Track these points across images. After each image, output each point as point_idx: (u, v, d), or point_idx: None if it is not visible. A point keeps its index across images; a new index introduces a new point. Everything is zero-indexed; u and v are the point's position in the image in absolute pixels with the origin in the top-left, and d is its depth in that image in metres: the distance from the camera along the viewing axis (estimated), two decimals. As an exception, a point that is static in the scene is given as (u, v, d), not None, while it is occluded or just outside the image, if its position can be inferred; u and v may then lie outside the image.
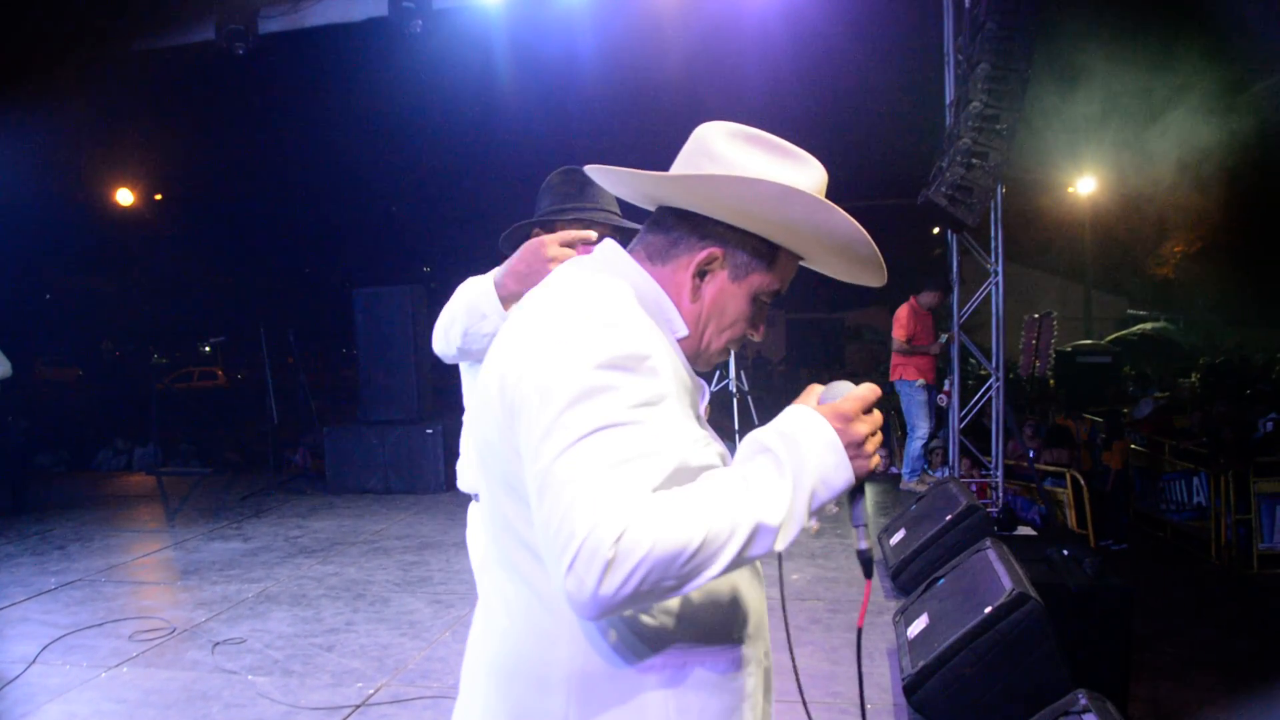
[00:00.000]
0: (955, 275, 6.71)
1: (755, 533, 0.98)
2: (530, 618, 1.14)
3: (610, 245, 1.24)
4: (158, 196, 24.29)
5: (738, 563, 0.98)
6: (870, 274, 1.25)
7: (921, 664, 3.06)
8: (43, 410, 13.63)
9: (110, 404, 16.09)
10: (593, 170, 1.27)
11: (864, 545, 1.15)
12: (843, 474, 1.06)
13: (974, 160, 5.59)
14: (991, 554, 3.49)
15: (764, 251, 1.19)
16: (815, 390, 1.15)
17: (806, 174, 1.17)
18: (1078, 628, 3.61)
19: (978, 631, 2.96)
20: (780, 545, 1.01)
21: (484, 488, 1.22)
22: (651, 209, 1.27)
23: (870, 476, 1.11)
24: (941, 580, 3.71)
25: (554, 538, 0.96)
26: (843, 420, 1.07)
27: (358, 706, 3.41)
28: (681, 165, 1.20)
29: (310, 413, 10.62)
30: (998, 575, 3.23)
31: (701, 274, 1.19)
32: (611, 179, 1.26)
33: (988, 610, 2.99)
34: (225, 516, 6.87)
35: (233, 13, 7.32)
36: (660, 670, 1.11)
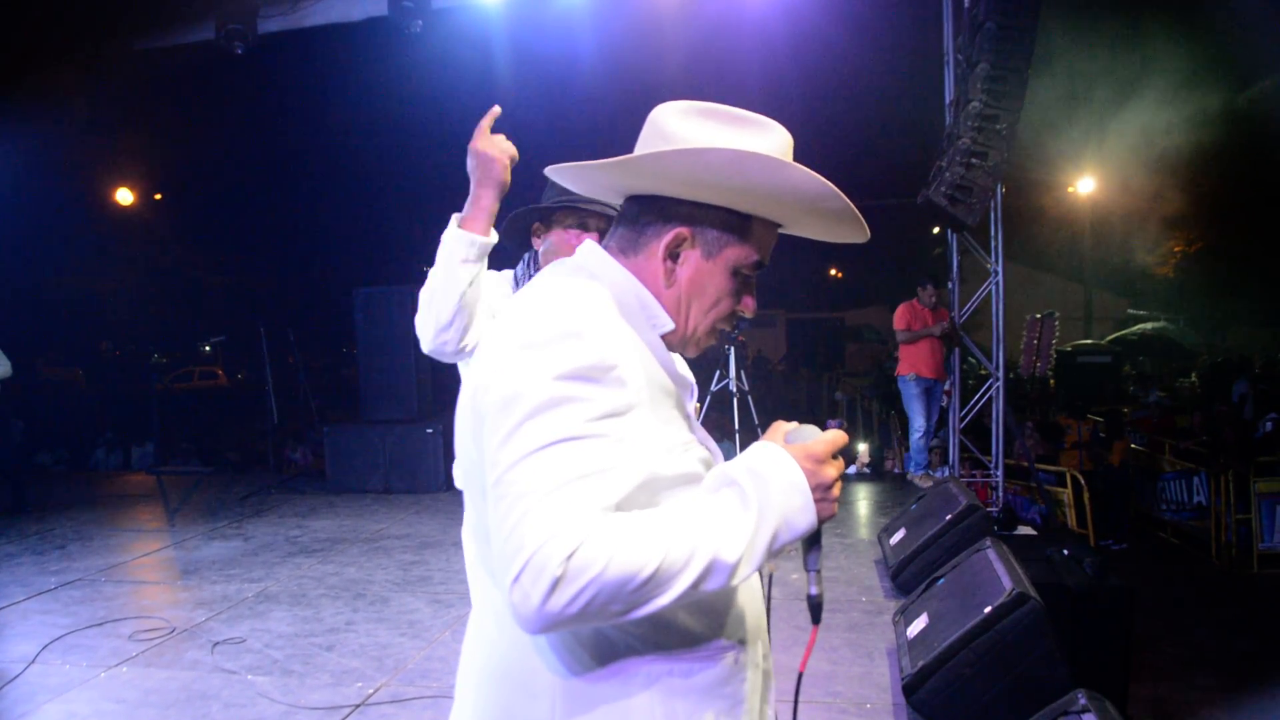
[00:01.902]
0: (955, 275, 6.72)
1: (711, 567, 0.97)
2: (517, 627, 1.14)
3: (589, 246, 1.21)
4: (158, 196, 24.30)
5: (690, 595, 0.97)
6: (850, 229, 1.21)
7: (921, 664, 3.06)
8: (43, 410, 13.63)
9: (110, 404, 16.09)
10: (551, 172, 1.25)
11: (814, 591, 1.12)
12: (807, 517, 1.04)
13: (973, 160, 5.59)
14: (991, 554, 3.49)
15: (734, 224, 1.16)
16: (782, 428, 1.14)
17: (764, 138, 1.14)
18: (1078, 628, 3.61)
19: (977, 631, 2.96)
20: (736, 581, 0.99)
21: (468, 498, 1.22)
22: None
23: (829, 521, 1.09)
24: (941, 580, 3.71)
25: (502, 547, 0.95)
26: (813, 462, 1.06)
27: (357, 706, 3.41)
28: (638, 150, 1.17)
29: (310, 412, 10.63)
30: (998, 575, 3.23)
31: (673, 256, 1.16)
32: (569, 177, 1.24)
33: (987, 610, 2.99)
34: (225, 516, 6.87)
35: (232, 12, 7.31)
36: (648, 676, 1.10)
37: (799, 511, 1.04)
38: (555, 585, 0.90)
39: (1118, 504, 7.79)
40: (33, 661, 3.89)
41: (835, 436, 1.10)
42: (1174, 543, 8.06)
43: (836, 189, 1.11)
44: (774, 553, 1.03)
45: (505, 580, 0.94)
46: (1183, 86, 17.10)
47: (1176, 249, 25.06)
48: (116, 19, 7.51)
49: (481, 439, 1.06)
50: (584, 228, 1.96)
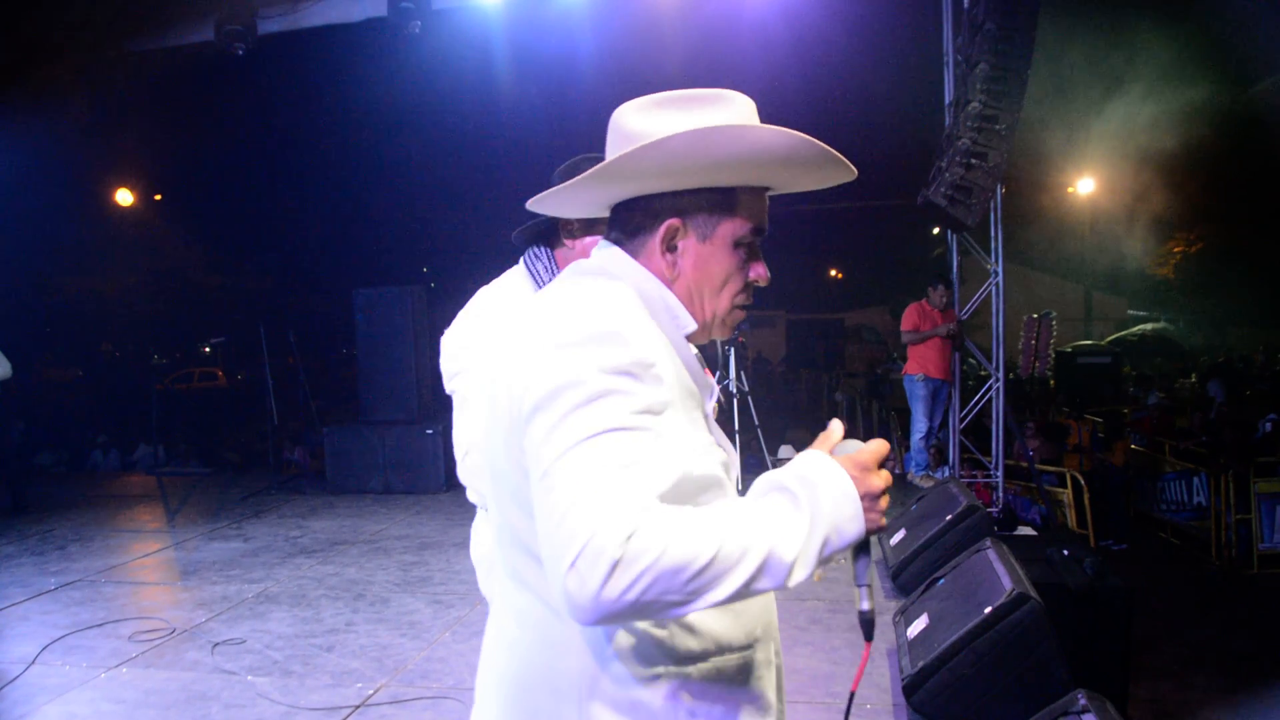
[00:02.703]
0: (955, 275, 6.72)
1: (767, 562, 0.96)
2: (540, 628, 1.14)
3: (606, 247, 1.22)
4: (157, 197, 24.31)
5: (744, 592, 0.95)
6: (833, 171, 1.21)
7: (921, 664, 3.06)
8: (43, 411, 13.62)
9: (110, 405, 16.08)
10: (532, 204, 1.28)
11: (865, 607, 1.10)
12: (856, 525, 1.03)
13: (973, 160, 5.59)
14: (991, 554, 3.49)
15: (720, 201, 1.17)
16: (829, 439, 1.13)
17: (723, 111, 1.14)
18: (1078, 628, 3.60)
19: (978, 632, 2.96)
20: (792, 582, 0.98)
21: (492, 500, 1.22)
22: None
23: (878, 532, 1.08)
24: (941, 580, 3.71)
25: (553, 535, 0.94)
26: (860, 470, 1.05)
27: (357, 707, 3.41)
28: (607, 156, 1.18)
29: (310, 413, 10.63)
30: (998, 575, 3.22)
31: (671, 249, 1.17)
32: (550, 204, 1.27)
33: (988, 610, 2.99)
34: (225, 517, 6.87)
35: (232, 13, 7.31)
36: (670, 677, 1.11)
37: (849, 520, 1.02)
38: (614, 568, 0.89)
39: (1118, 504, 7.78)
40: (32, 662, 3.89)
41: (879, 447, 1.09)
42: (1174, 543, 8.04)
43: (806, 136, 1.11)
44: (824, 560, 1.02)
45: (559, 568, 0.92)
46: (1182, 87, 17.10)
47: (1176, 249, 25.06)
48: (116, 20, 7.51)
49: (518, 441, 1.06)
50: None
